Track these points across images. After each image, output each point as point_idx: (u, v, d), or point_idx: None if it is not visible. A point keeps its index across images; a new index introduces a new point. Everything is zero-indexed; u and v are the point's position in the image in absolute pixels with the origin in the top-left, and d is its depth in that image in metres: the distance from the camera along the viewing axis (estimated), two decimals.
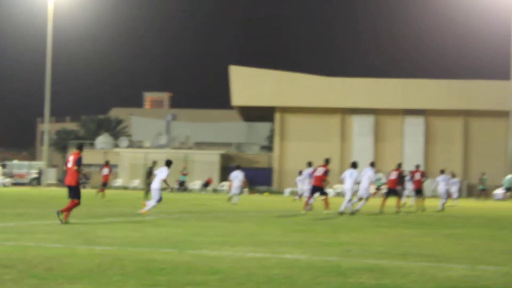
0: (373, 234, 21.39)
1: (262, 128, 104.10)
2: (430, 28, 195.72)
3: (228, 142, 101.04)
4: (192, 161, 74.18)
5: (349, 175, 31.41)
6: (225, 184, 67.95)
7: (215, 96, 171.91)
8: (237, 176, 40.72)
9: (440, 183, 42.62)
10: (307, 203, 32.42)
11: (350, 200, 31.32)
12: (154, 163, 44.02)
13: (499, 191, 59.25)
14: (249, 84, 71.70)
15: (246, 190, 59.32)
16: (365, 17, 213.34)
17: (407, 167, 64.43)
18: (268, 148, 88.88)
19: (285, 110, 72.35)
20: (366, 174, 32.96)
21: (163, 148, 78.48)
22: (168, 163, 28.41)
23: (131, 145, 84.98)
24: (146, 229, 21.16)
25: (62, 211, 21.94)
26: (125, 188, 70.71)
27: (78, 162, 22.44)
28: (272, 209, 36.51)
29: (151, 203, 28.27)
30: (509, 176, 58.26)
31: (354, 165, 32.03)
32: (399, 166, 35.96)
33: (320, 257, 15.09)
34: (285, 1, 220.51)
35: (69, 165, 22.51)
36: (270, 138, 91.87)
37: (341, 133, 71.37)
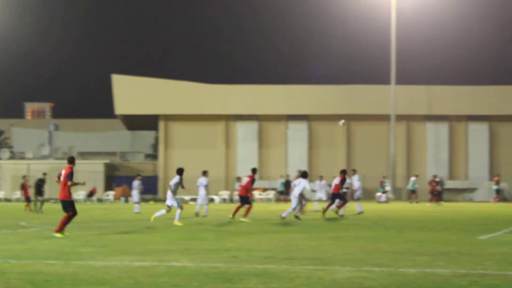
0: (259, 239, 21.44)
1: (147, 136, 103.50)
2: (311, 33, 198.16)
3: (113, 151, 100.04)
4: (76, 171, 72.70)
5: (297, 183, 31.36)
6: (110, 193, 67.22)
7: (98, 105, 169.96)
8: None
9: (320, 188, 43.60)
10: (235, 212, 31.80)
11: (294, 209, 31.17)
12: (45, 174, 43.24)
13: (381, 194, 60.36)
14: (132, 92, 71.11)
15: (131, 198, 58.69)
16: (250, 22, 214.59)
17: (291, 173, 65.27)
18: (153, 156, 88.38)
19: (169, 118, 72.02)
20: (300, 184, 33.11)
21: (46, 159, 77.03)
22: (180, 171, 28.56)
23: (13, 156, 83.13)
24: (30, 241, 20.71)
25: (57, 231, 22.09)
26: (7, 200, 69.07)
27: (70, 176, 22.50)
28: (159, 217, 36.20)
29: (178, 211, 28.32)
30: (413, 179, 59.55)
31: (304, 175, 32.01)
32: (344, 172, 35.75)
33: (207, 264, 15.02)
34: (168, 10, 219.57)
35: (62, 179, 22.42)
36: (155, 146, 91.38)
37: (226, 140, 71.47)
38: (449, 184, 66.45)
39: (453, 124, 69.94)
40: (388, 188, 61.09)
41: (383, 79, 68.42)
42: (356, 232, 24.60)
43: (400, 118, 66.70)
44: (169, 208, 28.58)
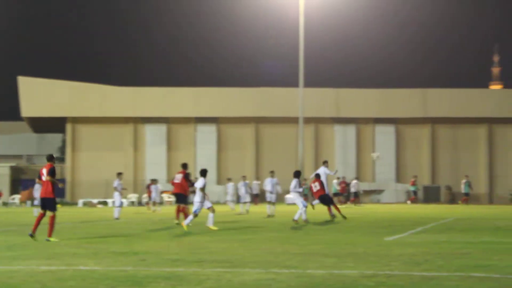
0: (168, 242, 21.34)
1: (54, 139, 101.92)
2: (220, 36, 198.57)
3: (19, 154, 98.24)
4: None
5: (295, 183, 31.00)
6: (16, 197, 65.98)
7: (3, 108, 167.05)
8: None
9: (241, 188, 43.71)
10: (180, 214, 31.13)
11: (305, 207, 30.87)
12: None
13: (291, 196, 60.60)
14: (38, 95, 69.96)
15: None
16: (157, 26, 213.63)
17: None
18: (61, 159, 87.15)
19: (77, 120, 71.13)
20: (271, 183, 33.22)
21: None
22: (204, 173, 27.11)
23: None
24: None
25: (49, 236, 21.78)
26: None
27: (51, 173, 21.75)
28: (66, 220, 35.70)
29: (190, 216, 26.69)
30: (354, 182, 60.06)
31: (297, 175, 31.60)
32: (317, 176, 35.49)
33: (115, 267, 14.86)
34: (78, 10, 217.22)
35: (43, 178, 21.81)
36: (62, 149, 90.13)
37: (134, 143, 70.93)
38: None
39: (361, 127, 70.89)
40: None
41: (292, 82, 68.94)
42: (265, 234, 24.67)
43: (308, 120, 67.27)
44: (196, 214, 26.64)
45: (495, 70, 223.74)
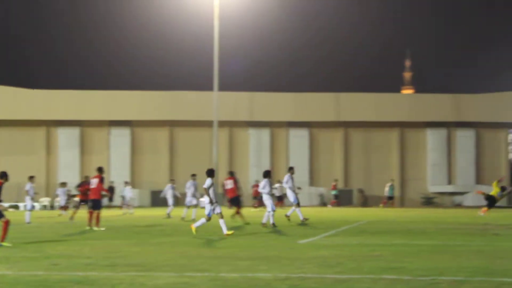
0: (80, 246, 21.13)
1: None
2: (135, 39, 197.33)
3: None
4: None
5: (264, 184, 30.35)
6: None
7: None
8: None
9: (168, 192, 43.59)
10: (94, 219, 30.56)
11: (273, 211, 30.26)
12: None
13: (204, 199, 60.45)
14: None
15: None
16: (77, 29, 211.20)
17: (116, 179, 64.65)
18: None
19: None
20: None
21: None
22: (210, 173, 25.99)
23: None
24: None
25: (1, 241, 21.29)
26: None
27: None
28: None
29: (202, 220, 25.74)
30: (277, 185, 60.22)
31: (266, 175, 30.81)
32: (231, 174, 35.25)
33: (27, 272, 14.68)
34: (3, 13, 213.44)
35: None
36: None
37: (47, 146, 69.92)
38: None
39: (275, 130, 71.28)
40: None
41: (206, 86, 68.93)
42: (179, 237, 24.64)
43: (223, 124, 67.33)
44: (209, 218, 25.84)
45: (407, 75, 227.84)
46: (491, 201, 39.44)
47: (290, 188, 33.19)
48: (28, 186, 36.09)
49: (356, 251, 19.17)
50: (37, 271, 14.90)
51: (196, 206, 39.37)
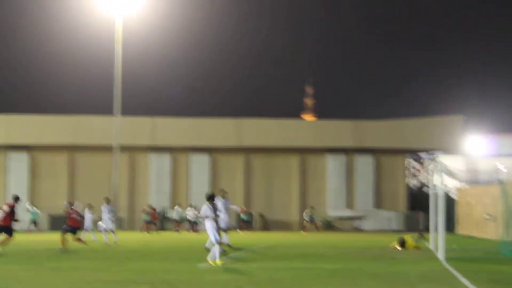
0: None
1: None
2: (32, 61, 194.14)
3: None
4: None
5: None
6: None
7: None
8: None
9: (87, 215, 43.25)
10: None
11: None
12: None
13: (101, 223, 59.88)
14: None
15: None
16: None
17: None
18: None
19: None
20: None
21: None
22: (210, 197, 24.14)
23: None
24: None
25: None
26: None
27: None
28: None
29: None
30: (189, 209, 60.35)
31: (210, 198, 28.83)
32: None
33: None
34: None
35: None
36: None
37: None
38: (171, 214, 67.27)
39: (176, 155, 71.04)
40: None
41: (108, 110, 68.15)
42: (76, 262, 24.26)
43: (124, 149, 66.74)
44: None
45: (309, 102, 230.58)
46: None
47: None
48: None
49: (256, 276, 19.21)
50: None
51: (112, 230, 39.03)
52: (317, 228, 62.88)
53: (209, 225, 23.55)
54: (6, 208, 29.93)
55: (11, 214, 29.72)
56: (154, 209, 59.75)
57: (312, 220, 62.73)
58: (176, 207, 63.49)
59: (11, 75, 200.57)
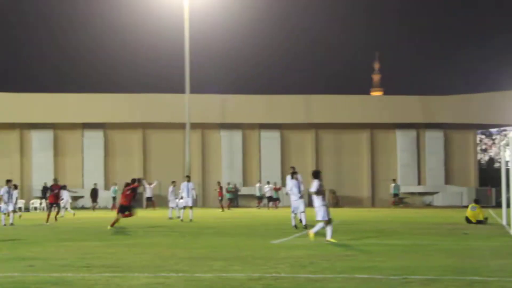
0: (55, 247, 21.19)
1: None
2: (105, 43, 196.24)
3: None
4: None
5: None
6: None
7: None
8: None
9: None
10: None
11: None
12: None
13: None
14: None
15: None
16: (45, 31, 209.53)
17: (90, 181, 64.95)
18: None
19: None
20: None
21: None
22: (316, 174, 24.19)
23: None
24: None
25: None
26: None
27: None
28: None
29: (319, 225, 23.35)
30: (266, 186, 61.49)
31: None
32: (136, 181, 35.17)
33: (2, 274, 14.75)
34: None
35: None
36: None
37: (20, 149, 69.55)
38: (244, 191, 67.69)
39: (246, 132, 71.39)
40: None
41: (179, 88, 68.72)
42: (153, 238, 24.75)
43: (195, 126, 67.31)
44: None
45: (376, 77, 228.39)
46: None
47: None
48: (2, 190, 36.00)
49: (329, 251, 19.42)
50: (13, 272, 14.97)
51: (191, 207, 39.49)
52: (398, 203, 62.66)
53: (318, 202, 23.32)
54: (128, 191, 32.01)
55: (132, 195, 32.03)
56: (221, 187, 59.90)
57: (396, 194, 62.71)
58: (258, 184, 63.97)
59: (89, 56, 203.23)
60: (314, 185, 23.55)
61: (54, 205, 38.13)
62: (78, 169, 69.12)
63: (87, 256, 18.51)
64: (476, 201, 35.15)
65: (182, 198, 39.94)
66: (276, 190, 61.31)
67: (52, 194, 38.35)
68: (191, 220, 37.31)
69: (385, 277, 14.14)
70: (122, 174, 65.64)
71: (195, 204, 42.40)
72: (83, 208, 62.61)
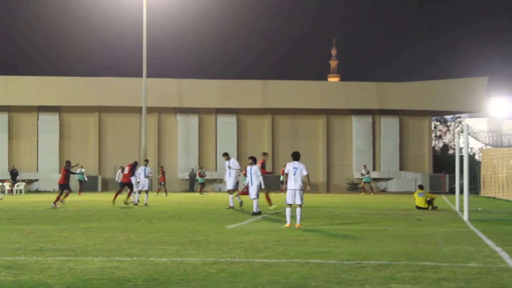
0: (8, 231, 21.04)
1: None
2: (62, 25, 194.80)
3: None
4: None
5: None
6: None
7: None
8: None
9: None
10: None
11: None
12: None
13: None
14: None
15: None
16: (14, 18, 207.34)
17: (44, 164, 64.55)
18: None
19: None
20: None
21: None
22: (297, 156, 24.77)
23: None
24: None
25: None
26: None
27: None
28: None
29: None
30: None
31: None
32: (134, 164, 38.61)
33: None
34: None
35: None
36: None
37: None
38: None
39: (203, 117, 71.37)
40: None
41: (135, 72, 68.51)
42: (107, 223, 24.70)
43: (151, 110, 67.23)
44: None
45: (333, 63, 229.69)
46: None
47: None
48: None
49: (283, 236, 19.54)
50: None
51: (147, 191, 39.36)
52: (366, 190, 61.71)
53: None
54: (127, 169, 37.70)
55: (130, 173, 37.50)
56: (163, 171, 59.33)
57: (367, 180, 61.39)
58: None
59: (45, 39, 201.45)
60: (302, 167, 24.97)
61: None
62: (33, 152, 68.63)
63: (41, 240, 18.44)
64: (421, 187, 35.97)
65: (138, 182, 39.89)
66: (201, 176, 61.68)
67: None
68: (146, 204, 37.26)
69: (339, 262, 14.27)
70: (77, 158, 65.32)
71: (150, 188, 42.39)
72: (37, 191, 62.21)
